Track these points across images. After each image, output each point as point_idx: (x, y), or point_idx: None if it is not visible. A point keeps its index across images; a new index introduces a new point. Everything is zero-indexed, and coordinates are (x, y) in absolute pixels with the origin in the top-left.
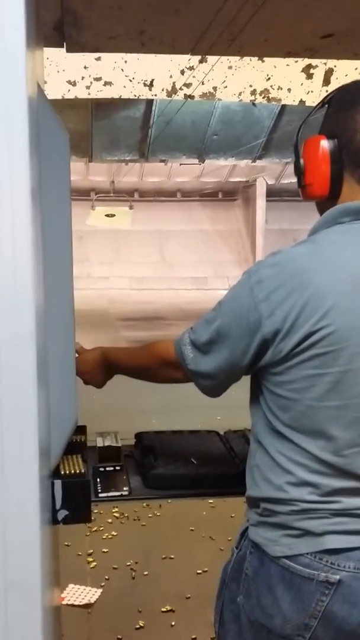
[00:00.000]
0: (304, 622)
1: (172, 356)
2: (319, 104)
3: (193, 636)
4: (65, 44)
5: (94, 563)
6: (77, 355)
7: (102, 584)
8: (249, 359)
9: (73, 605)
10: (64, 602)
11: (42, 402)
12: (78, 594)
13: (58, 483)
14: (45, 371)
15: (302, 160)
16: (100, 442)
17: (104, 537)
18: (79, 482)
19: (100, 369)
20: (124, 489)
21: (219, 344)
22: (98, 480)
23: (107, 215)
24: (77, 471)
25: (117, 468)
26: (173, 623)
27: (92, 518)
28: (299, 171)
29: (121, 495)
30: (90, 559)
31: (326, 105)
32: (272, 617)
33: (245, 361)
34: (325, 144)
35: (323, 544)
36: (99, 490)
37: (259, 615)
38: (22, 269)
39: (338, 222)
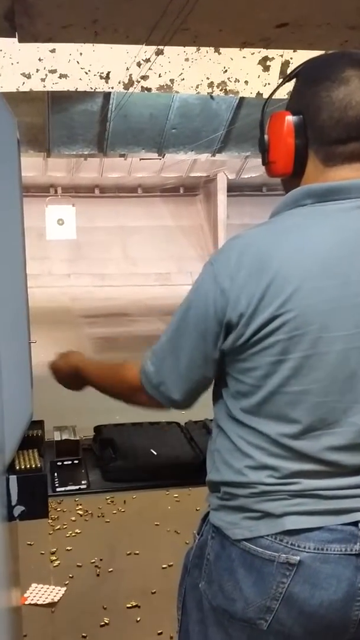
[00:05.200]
0: (265, 604)
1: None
2: (286, 77)
3: (159, 631)
4: (17, 33)
5: (58, 561)
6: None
7: (66, 582)
8: (219, 347)
9: (36, 605)
10: (26, 602)
11: None
12: (41, 593)
13: (13, 478)
14: None
15: (266, 137)
16: (57, 436)
17: (68, 535)
18: (35, 476)
19: (73, 380)
20: (82, 482)
21: (187, 339)
22: (55, 474)
23: (58, 222)
24: (33, 466)
25: (75, 462)
26: (138, 619)
27: (55, 516)
28: (263, 147)
29: (79, 489)
30: (54, 558)
31: (294, 80)
32: (234, 602)
33: (217, 353)
34: (290, 119)
35: (283, 525)
36: (57, 485)
37: (221, 600)
38: None
39: (300, 205)
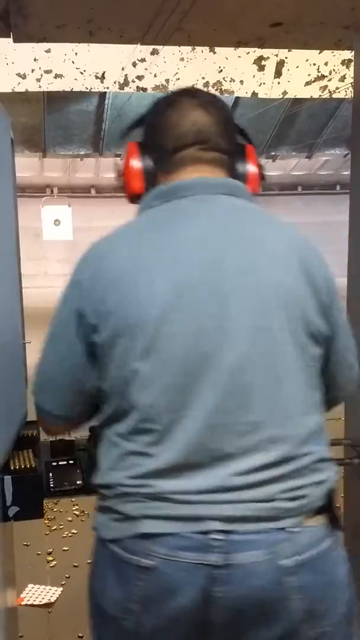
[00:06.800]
0: (126, 606)
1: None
2: (133, 123)
3: None
4: (11, 33)
5: (54, 562)
6: None
7: (63, 582)
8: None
9: (33, 606)
10: (23, 603)
11: None
12: (38, 593)
13: (8, 479)
14: None
15: (120, 162)
16: (52, 436)
17: (64, 535)
18: (30, 477)
19: None
20: (78, 482)
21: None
22: (50, 475)
23: (55, 223)
24: (28, 466)
25: (71, 462)
26: None
27: (52, 516)
28: (118, 172)
29: (74, 489)
30: (50, 558)
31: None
32: (105, 599)
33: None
34: (134, 144)
35: (139, 527)
36: (52, 485)
37: (98, 597)
38: None
39: (150, 206)
